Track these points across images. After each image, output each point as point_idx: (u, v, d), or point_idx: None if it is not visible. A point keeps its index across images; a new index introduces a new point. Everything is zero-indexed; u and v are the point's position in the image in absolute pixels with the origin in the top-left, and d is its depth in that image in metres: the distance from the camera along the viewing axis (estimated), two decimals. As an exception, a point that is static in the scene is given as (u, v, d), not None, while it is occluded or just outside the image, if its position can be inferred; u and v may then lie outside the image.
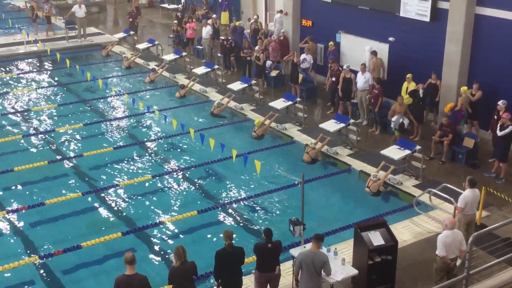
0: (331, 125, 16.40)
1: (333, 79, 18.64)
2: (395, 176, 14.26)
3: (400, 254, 10.46)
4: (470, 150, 15.06)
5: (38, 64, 25.13)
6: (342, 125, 16.24)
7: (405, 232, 12.11)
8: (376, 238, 10.18)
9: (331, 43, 20.14)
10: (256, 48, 21.28)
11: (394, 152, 14.62)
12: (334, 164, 15.72)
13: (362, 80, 17.63)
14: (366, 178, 14.32)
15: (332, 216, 13.37)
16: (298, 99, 18.42)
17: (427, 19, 17.09)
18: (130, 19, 28.23)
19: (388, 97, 17.78)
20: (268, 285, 9.79)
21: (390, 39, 18.48)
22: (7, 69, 24.54)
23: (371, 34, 19.15)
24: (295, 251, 10.24)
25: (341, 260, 9.94)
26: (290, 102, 18.11)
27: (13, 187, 14.73)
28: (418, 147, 14.68)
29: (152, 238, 12.57)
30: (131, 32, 26.98)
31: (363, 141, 16.53)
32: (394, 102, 17.78)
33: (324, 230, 12.30)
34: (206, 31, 24.45)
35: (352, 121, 16.60)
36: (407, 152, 14.47)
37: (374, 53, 18.57)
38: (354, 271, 9.88)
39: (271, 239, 9.57)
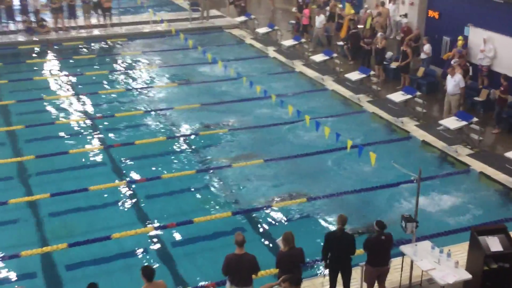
0: (452, 123, 15.69)
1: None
2: None
3: (519, 263, 9.82)
4: None
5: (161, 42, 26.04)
6: (464, 123, 15.49)
7: (527, 241, 11.32)
8: (494, 244, 9.65)
9: (460, 37, 19.11)
10: (379, 35, 20.74)
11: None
12: (452, 163, 15.03)
13: (451, 83, 16.55)
14: (486, 181, 13.59)
15: (446, 216, 12.79)
16: (418, 93, 17.77)
17: None
18: (243, 4, 28.60)
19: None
20: (377, 280, 9.61)
21: (525, 35, 17.31)
22: (132, 47, 25.66)
23: (504, 29, 17.96)
24: (405, 248, 9.95)
25: (454, 263, 9.50)
26: (409, 96, 17.52)
27: (133, 160, 15.38)
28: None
29: (259, 221, 12.68)
30: (252, 16, 27.28)
31: (484, 141, 15.68)
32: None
33: (437, 230, 11.90)
34: (320, 20, 24.18)
35: (475, 119, 15.76)
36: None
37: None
38: (468, 275, 9.42)
39: (384, 231, 9.36)
